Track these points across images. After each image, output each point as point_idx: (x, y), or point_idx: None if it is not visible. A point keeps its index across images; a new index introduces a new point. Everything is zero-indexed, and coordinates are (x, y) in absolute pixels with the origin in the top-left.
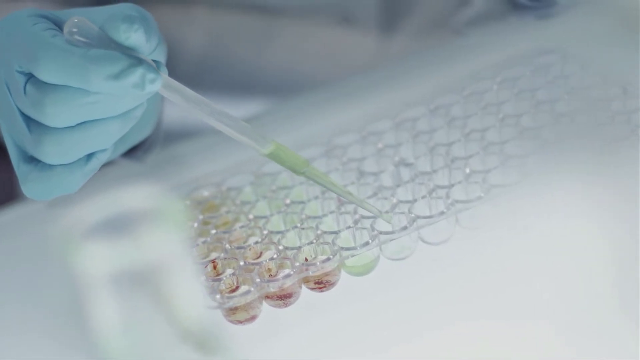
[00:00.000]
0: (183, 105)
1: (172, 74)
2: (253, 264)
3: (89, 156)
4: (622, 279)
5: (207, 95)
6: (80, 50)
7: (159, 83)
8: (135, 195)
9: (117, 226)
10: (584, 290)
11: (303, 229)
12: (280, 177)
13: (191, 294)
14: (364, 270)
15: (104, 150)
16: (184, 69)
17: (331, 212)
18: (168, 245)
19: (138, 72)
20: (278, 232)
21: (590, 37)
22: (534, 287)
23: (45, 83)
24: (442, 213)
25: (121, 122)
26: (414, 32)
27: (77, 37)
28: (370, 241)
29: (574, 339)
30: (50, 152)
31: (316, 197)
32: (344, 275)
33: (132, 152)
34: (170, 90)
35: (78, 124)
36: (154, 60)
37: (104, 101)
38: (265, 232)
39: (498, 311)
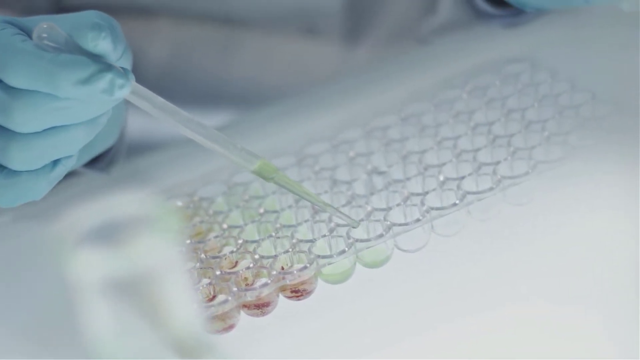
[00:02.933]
0: (151, 112)
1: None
2: (229, 273)
3: (55, 163)
4: (621, 279)
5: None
6: (49, 55)
7: (128, 89)
8: (127, 202)
9: (110, 233)
10: (583, 290)
11: (278, 237)
12: (253, 187)
13: (182, 301)
14: (341, 278)
15: (69, 157)
16: (148, 80)
17: (306, 221)
18: (160, 251)
19: (107, 78)
20: (253, 242)
21: (557, 45)
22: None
23: (14, 88)
24: (417, 220)
25: (87, 129)
26: (378, 42)
27: (46, 42)
28: (346, 249)
29: (574, 339)
30: (17, 158)
31: (290, 206)
32: (320, 283)
33: (96, 162)
34: (138, 97)
35: (45, 130)
36: (121, 67)
37: (71, 107)
38: (240, 241)
39: (484, 315)
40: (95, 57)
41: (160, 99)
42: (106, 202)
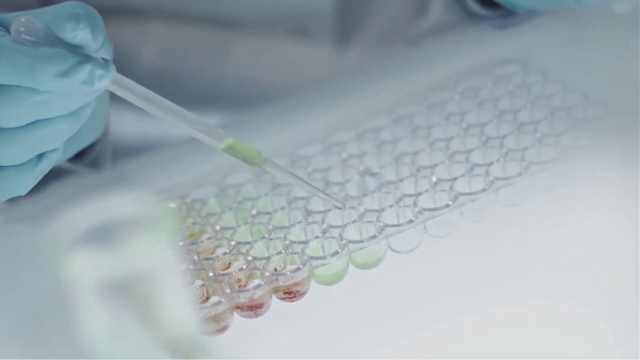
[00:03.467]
0: (134, 101)
1: None
2: (222, 274)
3: (40, 157)
4: (617, 278)
5: None
6: (28, 49)
7: (108, 79)
8: (122, 203)
9: (105, 234)
10: (577, 291)
11: (271, 239)
12: (245, 189)
13: (177, 302)
14: (334, 279)
15: (54, 151)
16: (140, 82)
17: (298, 222)
18: (156, 253)
19: (86, 69)
20: (246, 243)
21: (549, 46)
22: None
23: None
24: (410, 221)
25: (71, 121)
26: (369, 44)
27: (24, 36)
28: (339, 250)
29: (568, 340)
30: (1, 153)
31: (282, 208)
32: (313, 284)
33: (82, 157)
34: (120, 87)
35: (28, 124)
36: (102, 58)
37: (53, 100)
38: (232, 243)
39: (477, 315)
40: (75, 48)
41: (142, 89)
42: (101, 204)
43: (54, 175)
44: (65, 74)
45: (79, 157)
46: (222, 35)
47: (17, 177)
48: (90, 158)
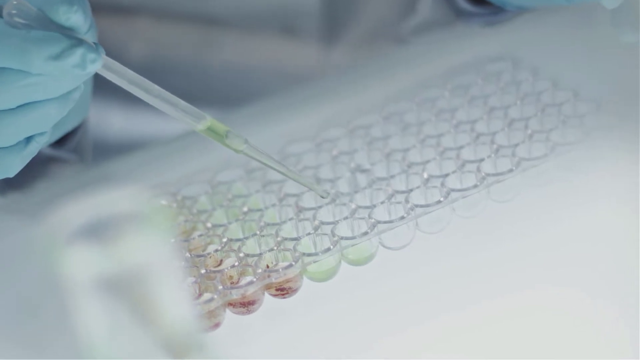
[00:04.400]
0: (123, 86)
1: (112, 83)
2: (214, 271)
3: (28, 139)
4: (620, 278)
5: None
6: (20, 32)
7: (100, 63)
8: (122, 198)
9: (101, 230)
10: (574, 285)
11: (263, 236)
12: (236, 186)
13: (172, 298)
14: (326, 276)
15: (42, 134)
16: None
17: (290, 219)
18: (152, 248)
19: (79, 52)
20: (237, 240)
21: (538, 43)
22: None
23: None
24: (402, 218)
25: (60, 104)
26: (357, 41)
27: (16, 19)
28: (331, 247)
29: (573, 339)
30: None
31: (274, 205)
32: (306, 281)
33: (63, 144)
34: (110, 71)
35: (18, 106)
36: (93, 42)
37: (43, 83)
38: (224, 240)
39: (469, 311)
40: (66, 31)
41: (131, 73)
42: (95, 200)
43: (38, 163)
44: (57, 57)
45: (61, 143)
46: (209, 32)
47: (6, 159)
48: (73, 144)
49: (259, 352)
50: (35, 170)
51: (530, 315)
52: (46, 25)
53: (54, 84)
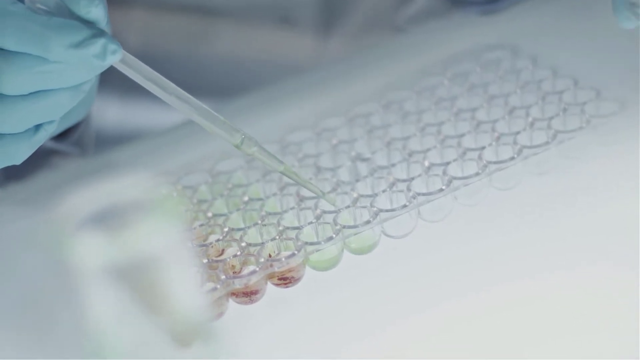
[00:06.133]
0: (138, 80)
1: (110, 75)
2: (217, 261)
3: (37, 127)
4: (622, 268)
5: (146, 98)
6: (41, 18)
7: (120, 54)
8: (128, 186)
9: (110, 218)
10: (576, 273)
11: (264, 225)
12: (236, 175)
13: (181, 286)
14: (329, 264)
15: (51, 123)
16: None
17: (291, 208)
18: (162, 236)
19: (100, 43)
20: (239, 230)
21: (537, 31)
22: (518, 274)
23: (3, 50)
24: (404, 206)
25: (72, 94)
26: (354, 31)
27: (38, 5)
28: (334, 236)
29: (573, 339)
30: (2, 120)
31: (274, 194)
32: (308, 270)
33: (66, 137)
34: (126, 66)
35: (31, 93)
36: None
37: (59, 71)
38: (225, 229)
39: (472, 299)
40: (87, 23)
41: (147, 69)
42: (101, 189)
43: (40, 155)
44: (78, 45)
45: (63, 136)
46: (205, 23)
47: (14, 145)
48: (75, 137)
49: (262, 342)
50: (37, 162)
51: (531, 304)
52: (65, 15)
53: (70, 73)
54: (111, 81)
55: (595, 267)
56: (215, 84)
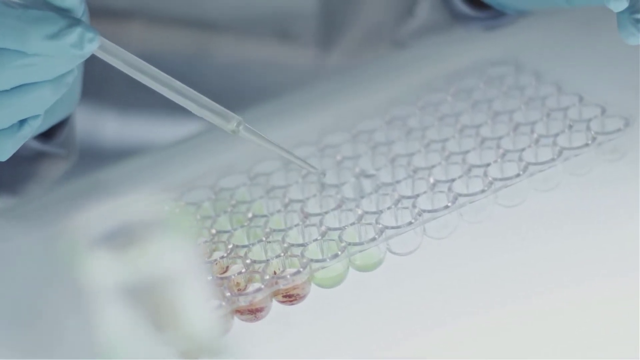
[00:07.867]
0: (121, 67)
1: (108, 87)
2: (221, 278)
3: (22, 122)
4: (620, 279)
5: (144, 111)
6: (16, 11)
7: (97, 42)
8: (133, 203)
9: (118, 235)
10: (577, 290)
11: (269, 242)
12: (239, 192)
13: (196, 303)
14: (334, 282)
15: (36, 117)
16: (121, 83)
17: (296, 225)
18: (175, 254)
19: (76, 32)
20: (243, 247)
21: (541, 47)
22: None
23: None
24: (410, 223)
25: (55, 87)
26: (354, 45)
27: None
28: (339, 253)
29: (573, 339)
30: None
31: (279, 211)
32: (313, 287)
33: (52, 138)
34: (107, 53)
35: (13, 88)
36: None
37: (40, 63)
38: (230, 246)
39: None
40: (62, 12)
41: (129, 55)
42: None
43: (28, 160)
44: (55, 36)
45: (49, 136)
46: (204, 37)
47: None
48: (61, 138)
49: (267, 359)
50: (26, 169)
51: (537, 319)
52: (41, 7)
53: (50, 65)
54: (110, 96)
55: (601, 283)
56: (215, 99)
